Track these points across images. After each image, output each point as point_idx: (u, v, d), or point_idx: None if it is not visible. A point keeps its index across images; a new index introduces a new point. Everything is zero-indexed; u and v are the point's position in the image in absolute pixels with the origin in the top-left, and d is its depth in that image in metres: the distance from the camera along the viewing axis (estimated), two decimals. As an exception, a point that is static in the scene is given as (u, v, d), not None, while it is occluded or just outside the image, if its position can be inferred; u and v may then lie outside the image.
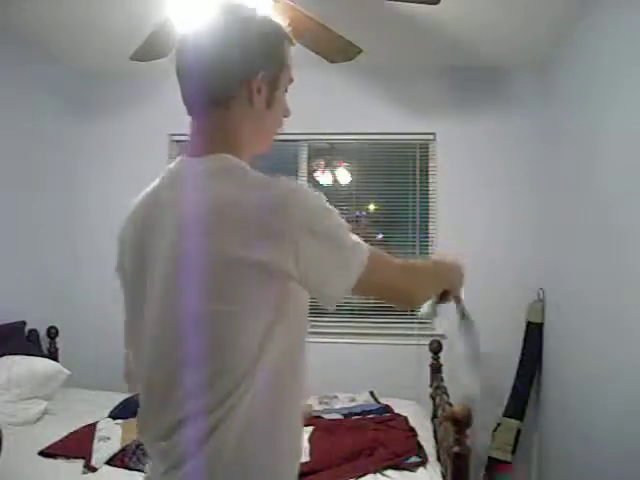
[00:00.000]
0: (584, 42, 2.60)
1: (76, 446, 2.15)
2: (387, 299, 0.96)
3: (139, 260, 0.88)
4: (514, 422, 3.04)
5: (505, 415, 3.08)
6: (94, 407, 2.65)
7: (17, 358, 2.61)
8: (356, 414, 2.62)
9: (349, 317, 3.35)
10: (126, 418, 2.41)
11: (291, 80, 0.96)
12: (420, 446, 2.23)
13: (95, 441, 2.20)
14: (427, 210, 3.39)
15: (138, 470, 1.90)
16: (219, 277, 0.77)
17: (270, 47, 0.90)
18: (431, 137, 3.39)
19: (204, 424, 0.79)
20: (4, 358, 2.58)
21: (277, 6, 1.92)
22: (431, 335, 3.13)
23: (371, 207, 3.57)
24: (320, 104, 3.31)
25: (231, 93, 0.87)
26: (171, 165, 0.91)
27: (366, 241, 0.85)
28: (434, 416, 2.69)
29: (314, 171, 3.56)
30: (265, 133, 0.95)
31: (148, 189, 0.92)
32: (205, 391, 0.79)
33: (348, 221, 0.84)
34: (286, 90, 0.96)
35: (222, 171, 0.83)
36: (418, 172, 3.41)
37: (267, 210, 0.77)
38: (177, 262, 0.81)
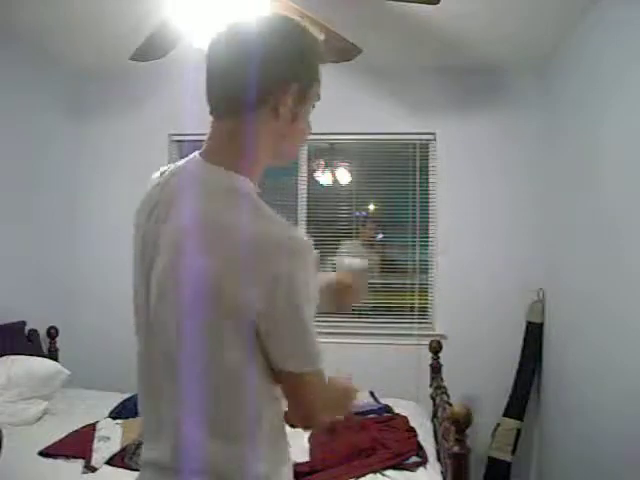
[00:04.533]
0: (585, 42, 2.60)
1: (76, 446, 2.15)
2: (293, 408, 0.90)
3: (140, 249, 0.89)
4: (514, 422, 3.05)
5: (505, 415, 3.08)
6: (94, 407, 2.65)
7: (17, 358, 2.61)
8: (356, 414, 2.62)
9: (349, 317, 3.35)
10: (126, 418, 2.42)
11: (319, 97, 0.96)
12: (420, 446, 2.23)
13: (95, 441, 2.20)
14: (427, 210, 3.39)
15: (138, 470, 1.89)
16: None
17: (305, 62, 0.90)
18: (431, 137, 3.39)
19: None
20: (4, 358, 2.58)
21: (277, 6, 1.92)
22: (431, 335, 3.14)
23: (371, 207, 3.57)
24: (320, 104, 3.29)
25: (259, 102, 0.86)
26: (182, 163, 0.91)
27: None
28: (434, 416, 2.69)
29: (314, 171, 3.56)
30: (286, 146, 0.94)
31: (156, 178, 0.93)
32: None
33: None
34: (313, 106, 0.96)
35: (226, 191, 0.83)
36: (418, 172, 3.40)
37: (256, 249, 0.77)
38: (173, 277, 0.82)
